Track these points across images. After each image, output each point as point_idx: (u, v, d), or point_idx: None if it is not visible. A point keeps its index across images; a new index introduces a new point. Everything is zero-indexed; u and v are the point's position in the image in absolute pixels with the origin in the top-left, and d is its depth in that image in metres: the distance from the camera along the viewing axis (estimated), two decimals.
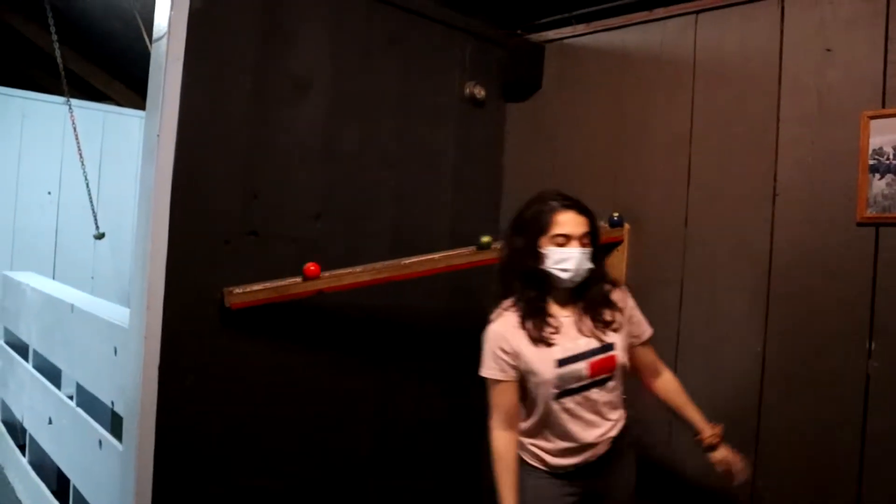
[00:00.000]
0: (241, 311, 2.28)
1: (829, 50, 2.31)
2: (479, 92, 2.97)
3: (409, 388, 2.83)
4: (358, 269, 2.41)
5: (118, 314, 2.61)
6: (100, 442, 2.52)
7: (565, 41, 3.00)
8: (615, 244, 2.70)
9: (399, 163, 2.77)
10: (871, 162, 2.18)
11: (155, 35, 2.19)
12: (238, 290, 2.27)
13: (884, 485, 1.71)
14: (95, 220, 4.32)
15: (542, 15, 3.08)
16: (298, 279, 2.33)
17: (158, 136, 2.10)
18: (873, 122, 2.18)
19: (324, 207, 2.56)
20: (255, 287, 2.29)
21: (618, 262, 2.70)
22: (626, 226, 2.71)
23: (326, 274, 2.35)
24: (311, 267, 2.35)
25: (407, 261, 2.47)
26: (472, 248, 2.57)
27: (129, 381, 2.19)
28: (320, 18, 2.52)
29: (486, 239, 2.57)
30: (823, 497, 2.20)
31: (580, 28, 2.95)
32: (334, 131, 2.58)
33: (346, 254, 2.52)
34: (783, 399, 2.31)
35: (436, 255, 2.50)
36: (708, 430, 2.01)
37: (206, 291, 2.26)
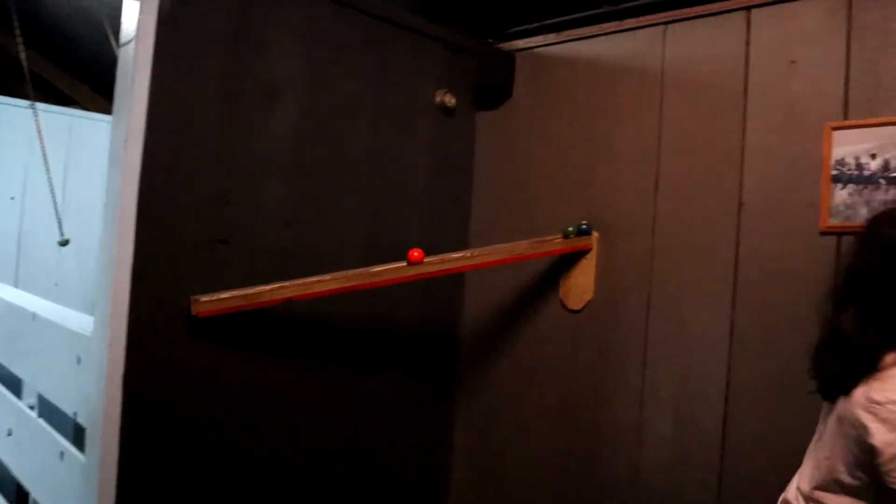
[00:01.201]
0: (209, 320, 2.25)
1: (793, 62, 2.34)
2: (450, 100, 2.97)
3: (380, 397, 2.81)
4: (327, 277, 2.39)
5: (82, 322, 2.56)
6: (61, 454, 2.47)
7: (536, 50, 3.02)
8: (584, 252, 2.72)
9: (370, 170, 2.76)
10: (833, 172, 2.21)
11: (122, 39, 2.16)
12: (205, 299, 2.25)
13: None
14: (60, 226, 4.24)
15: (514, 24, 3.09)
16: (267, 287, 2.31)
17: (125, 141, 2.08)
18: (836, 133, 2.22)
19: (294, 215, 2.54)
20: (223, 295, 2.26)
21: (586, 271, 2.72)
22: (595, 234, 2.72)
23: (295, 282, 2.34)
24: (415, 253, 2.44)
25: (376, 269, 2.46)
26: (441, 256, 2.57)
27: (93, 391, 2.15)
28: (292, 25, 2.51)
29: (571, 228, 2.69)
30: None
31: (551, 37, 2.97)
32: (306, 138, 2.57)
33: (317, 262, 2.50)
34: (749, 405, 2.34)
35: (405, 263, 2.49)
36: None
37: (174, 300, 2.23)
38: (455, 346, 3.10)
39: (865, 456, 1.46)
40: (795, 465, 2.18)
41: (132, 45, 2.09)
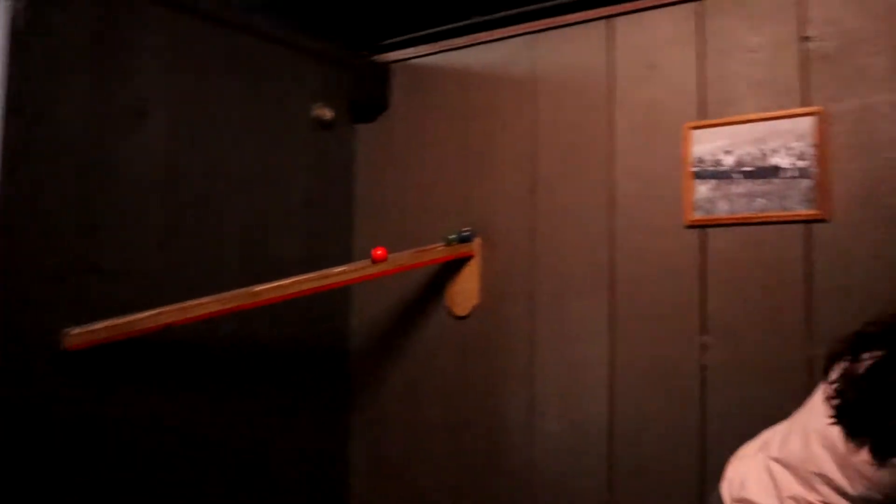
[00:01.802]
0: (83, 352, 2.13)
1: (653, 67, 2.47)
2: (327, 114, 2.95)
3: (269, 418, 2.74)
4: (206, 299, 2.31)
5: None
6: None
7: (410, 62, 3.05)
8: (467, 259, 2.75)
9: (247, 188, 2.70)
10: (694, 169, 2.34)
11: None
12: (77, 331, 2.13)
13: (724, 458, 1.84)
14: None
15: (388, 36, 3.11)
16: (143, 314, 2.20)
17: None
18: (694, 133, 2.36)
19: (169, 237, 2.44)
20: (96, 326, 2.15)
21: (470, 277, 2.75)
22: (478, 240, 2.76)
23: (172, 307, 2.25)
24: (378, 251, 2.47)
25: (257, 288, 2.40)
26: (323, 272, 2.53)
27: None
28: (158, 43, 2.42)
29: (453, 236, 2.71)
30: (672, 477, 2.31)
31: (425, 48, 3.01)
32: (177, 158, 2.48)
33: (195, 284, 2.41)
34: (632, 395, 2.43)
35: (287, 281, 2.44)
36: None
37: (43, 334, 2.10)
38: (345, 360, 3.07)
39: None
40: (679, 450, 2.30)
41: None
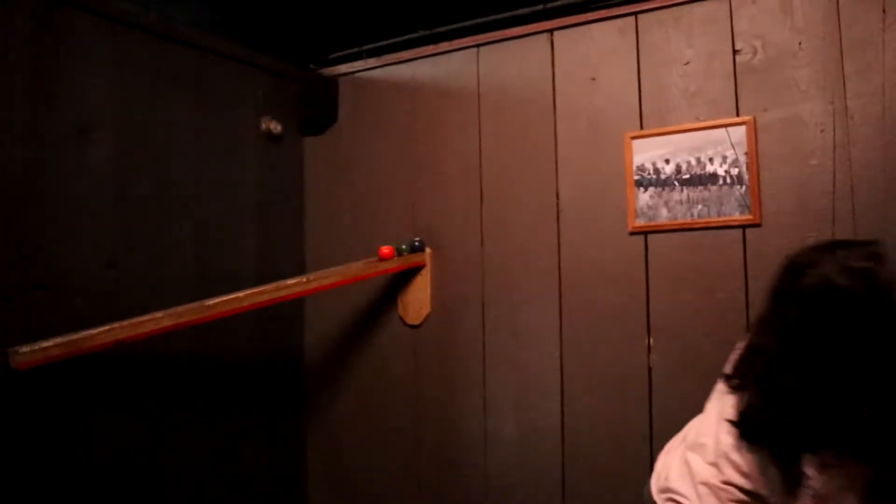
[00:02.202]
0: (31, 371, 2.10)
1: (593, 79, 2.56)
2: (276, 127, 2.97)
3: (224, 433, 2.73)
4: (159, 314, 2.30)
5: None
6: None
7: (357, 75, 3.09)
8: (418, 268, 2.80)
9: (198, 202, 2.69)
10: (635, 177, 2.43)
11: None
12: (25, 349, 2.09)
13: None
14: None
15: (335, 49, 3.14)
16: (94, 330, 2.18)
17: None
18: (635, 142, 2.45)
19: (118, 254, 2.43)
20: (45, 343, 2.11)
21: (422, 286, 2.80)
22: (428, 250, 2.81)
23: (124, 323, 2.23)
24: (384, 249, 2.65)
25: (210, 302, 2.40)
26: (276, 284, 2.55)
27: None
28: (102, 58, 2.40)
29: (404, 246, 2.78)
30: (622, 476, 2.39)
31: (371, 62, 3.05)
32: (124, 173, 2.46)
33: (147, 300, 2.40)
34: (583, 398, 2.50)
35: (240, 294, 2.45)
36: None
37: None
38: (299, 371, 3.08)
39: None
40: (629, 449, 2.38)
41: None
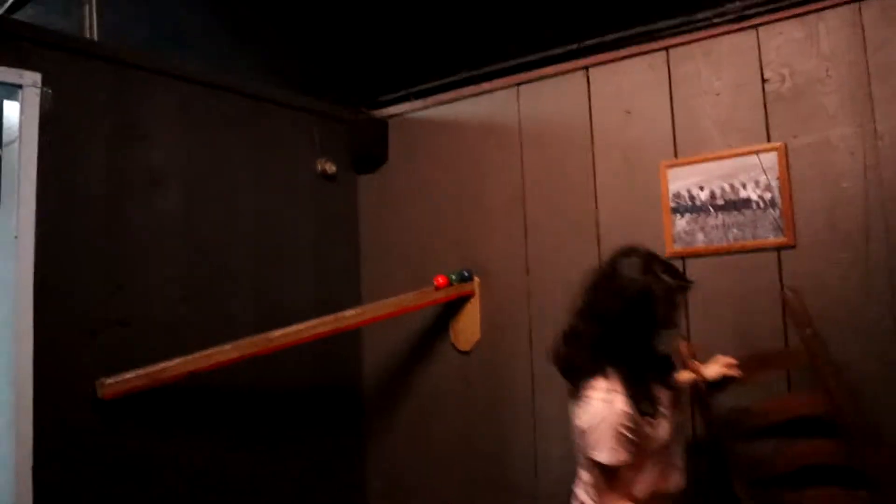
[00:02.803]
0: (116, 401, 2.31)
1: (628, 112, 2.67)
2: (330, 167, 3.17)
3: (289, 455, 2.90)
4: (227, 346, 2.50)
5: None
6: None
7: (405, 116, 3.27)
8: (468, 297, 2.94)
9: (259, 241, 2.90)
10: (672, 205, 2.53)
11: (5, 140, 2.24)
12: (110, 381, 2.31)
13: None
14: None
15: (383, 92, 3.34)
16: (170, 363, 2.39)
17: (16, 237, 2.14)
18: (670, 171, 2.55)
19: (189, 291, 2.64)
20: (127, 375, 2.33)
21: (471, 314, 2.93)
22: (476, 279, 2.95)
23: (196, 355, 2.43)
24: (440, 279, 2.81)
25: (274, 334, 2.59)
26: (334, 315, 2.72)
27: (2, 484, 2.16)
28: (170, 113, 2.66)
29: (454, 276, 2.93)
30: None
31: (418, 104, 3.23)
32: (192, 217, 2.69)
33: (214, 334, 2.59)
34: None
35: (301, 326, 2.63)
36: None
37: (79, 385, 2.29)
38: (358, 398, 3.25)
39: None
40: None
41: (15, 145, 2.18)
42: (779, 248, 2.33)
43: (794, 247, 2.30)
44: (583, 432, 1.83)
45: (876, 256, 2.18)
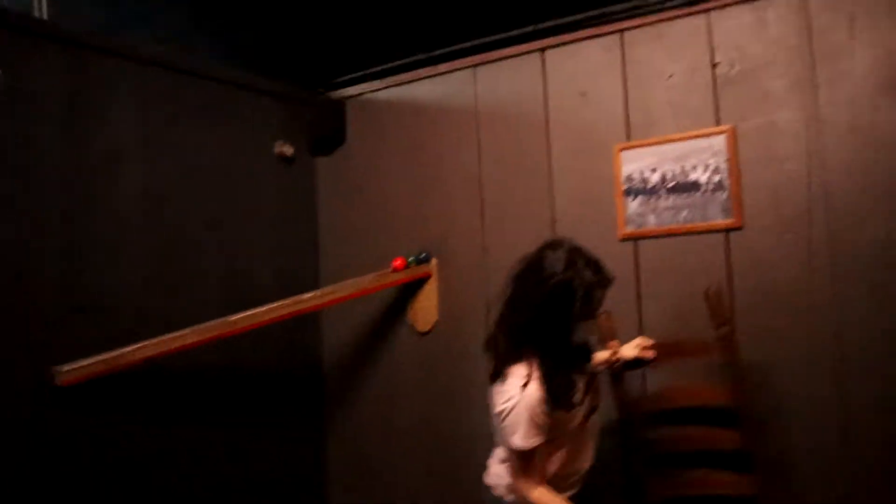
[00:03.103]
0: (74, 388, 2.31)
1: (583, 94, 2.70)
2: (288, 150, 3.15)
3: (250, 438, 2.93)
4: (186, 331, 2.50)
5: None
6: None
7: (363, 97, 3.26)
8: (425, 279, 2.97)
9: (220, 223, 2.89)
10: (624, 187, 2.58)
11: None
12: (67, 368, 2.30)
13: None
14: None
15: (341, 73, 3.32)
16: (127, 349, 2.38)
17: None
18: (623, 153, 2.59)
19: (149, 275, 2.63)
20: (84, 362, 2.33)
21: (430, 294, 2.97)
22: (434, 261, 2.98)
23: (153, 341, 2.43)
24: (397, 261, 2.81)
25: (233, 318, 2.59)
26: (294, 298, 2.73)
27: None
28: (128, 93, 2.62)
29: (412, 258, 2.95)
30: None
31: (375, 84, 3.22)
32: (152, 201, 2.67)
33: (176, 317, 2.59)
34: None
35: (261, 309, 2.64)
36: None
37: (36, 373, 2.28)
38: (319, 379, 3.27)
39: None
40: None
41: None
42: (727, 230, 2.39)
43: (741, 228, 2.37)
44: (498, 415, 1.91)
45: (818, 237, 2.25)
